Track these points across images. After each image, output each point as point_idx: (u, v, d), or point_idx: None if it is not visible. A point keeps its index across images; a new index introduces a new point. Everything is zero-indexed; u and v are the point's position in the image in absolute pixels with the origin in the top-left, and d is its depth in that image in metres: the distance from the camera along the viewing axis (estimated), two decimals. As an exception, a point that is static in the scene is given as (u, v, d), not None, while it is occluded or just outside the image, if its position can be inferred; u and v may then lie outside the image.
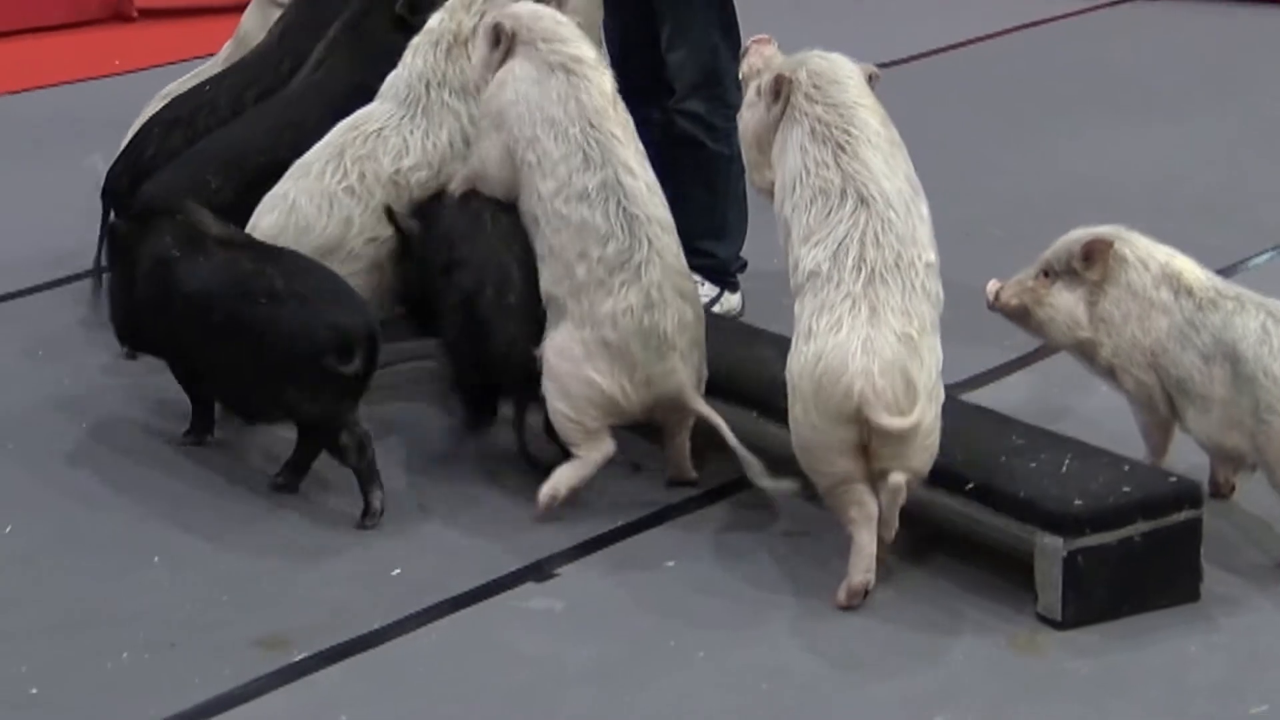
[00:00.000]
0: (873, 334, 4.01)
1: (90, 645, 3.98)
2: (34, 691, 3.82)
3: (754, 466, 4.38)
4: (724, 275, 5.70)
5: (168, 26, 9.35)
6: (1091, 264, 4.35)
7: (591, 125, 4.60)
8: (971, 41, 9.10)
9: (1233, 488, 4.45)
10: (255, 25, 6.06)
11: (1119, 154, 7.15)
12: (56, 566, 4.36)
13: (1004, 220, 5.99)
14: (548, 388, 4.52)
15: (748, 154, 4.60)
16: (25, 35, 8.89)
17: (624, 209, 4.51)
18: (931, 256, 4.17)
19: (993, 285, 4.51)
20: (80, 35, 9.57)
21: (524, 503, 4.55)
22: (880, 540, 4.06)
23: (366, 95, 5.23)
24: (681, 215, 5.57)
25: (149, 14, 9.83)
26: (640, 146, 4.69)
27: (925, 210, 4.24)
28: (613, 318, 4.45)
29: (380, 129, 5.05)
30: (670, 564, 4.32)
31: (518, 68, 4.73)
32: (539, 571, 4.28)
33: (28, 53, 9.14)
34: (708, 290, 5.56)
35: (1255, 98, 8.01)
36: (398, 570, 4.27)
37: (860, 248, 4.09)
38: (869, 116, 4.30)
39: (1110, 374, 4.42)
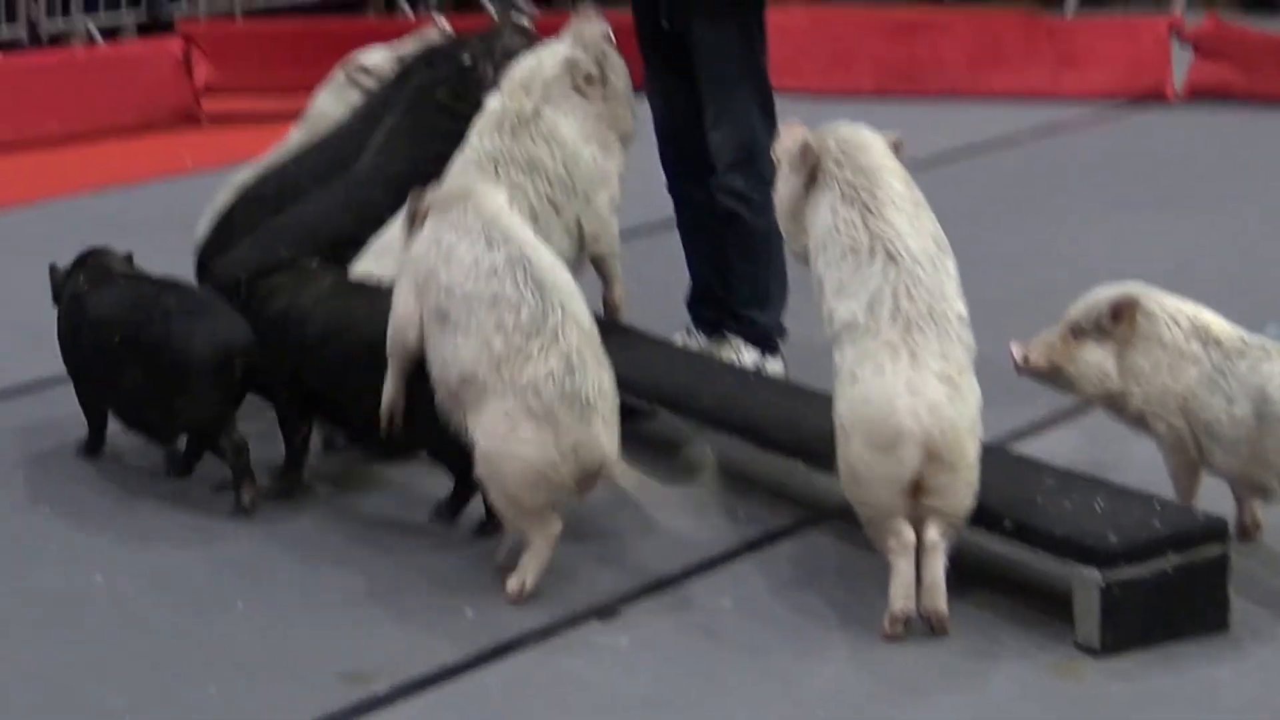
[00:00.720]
0: (914, 376, 4.13)
1: (180, 679, 4.06)
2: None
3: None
4: (766, 341, 5.76)
5: (235, 132, 9.43)
6: (1119, 320, 4.45)
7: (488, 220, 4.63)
8: (995, 142, 9.20)
9: (1259, 528, 4.52)
10: (329, 106, 6.13)
11: (1137, 243, 7.17)
12: (147, 609, 4.43)
13: (1030, 299, 6.08)
14: (481, 475, 4.45)
15: (784, 224, 4.69)
16: (100, 138, 9.05)
17: (532, 276, 4.45)
18: (961, 309, 4.27)
19: (1018, 349, 4.58)
20: (152, 139, 9.74)
21: (586, 548, 4.65)
22: (936, 619, 4.13)
23: (425, 176, 5.27)
24: (726, 286, 5.73)
25: (217, 119, 10.06)
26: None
27: (952, 267, 4.33)
28: (535, 384, 4.35)
29: None
30: (727, 604, 4.39)
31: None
32: (603, 611, 4.34)
33: (103, 155, 9.31)
34: (751, 356, 5.66)
35: (1270, 195, 8.05)
36: (470, 610, 4.35)
37: (894, 300, 4.20)
38: (893, 179, 4.41)
39: (1140, 421, 4.50)
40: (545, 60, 5.34)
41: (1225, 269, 6.67)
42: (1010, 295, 6.07)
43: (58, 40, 11.12)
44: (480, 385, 4.41)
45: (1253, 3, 12.08)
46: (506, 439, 4.36)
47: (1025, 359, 4.57)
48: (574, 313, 4.46)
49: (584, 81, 5.30)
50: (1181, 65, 10.30)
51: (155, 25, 11.24)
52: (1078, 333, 4.52)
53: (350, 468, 5.24)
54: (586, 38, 5.35)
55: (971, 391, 4.18)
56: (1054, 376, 4.57)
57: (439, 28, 6.22)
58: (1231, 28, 10.89)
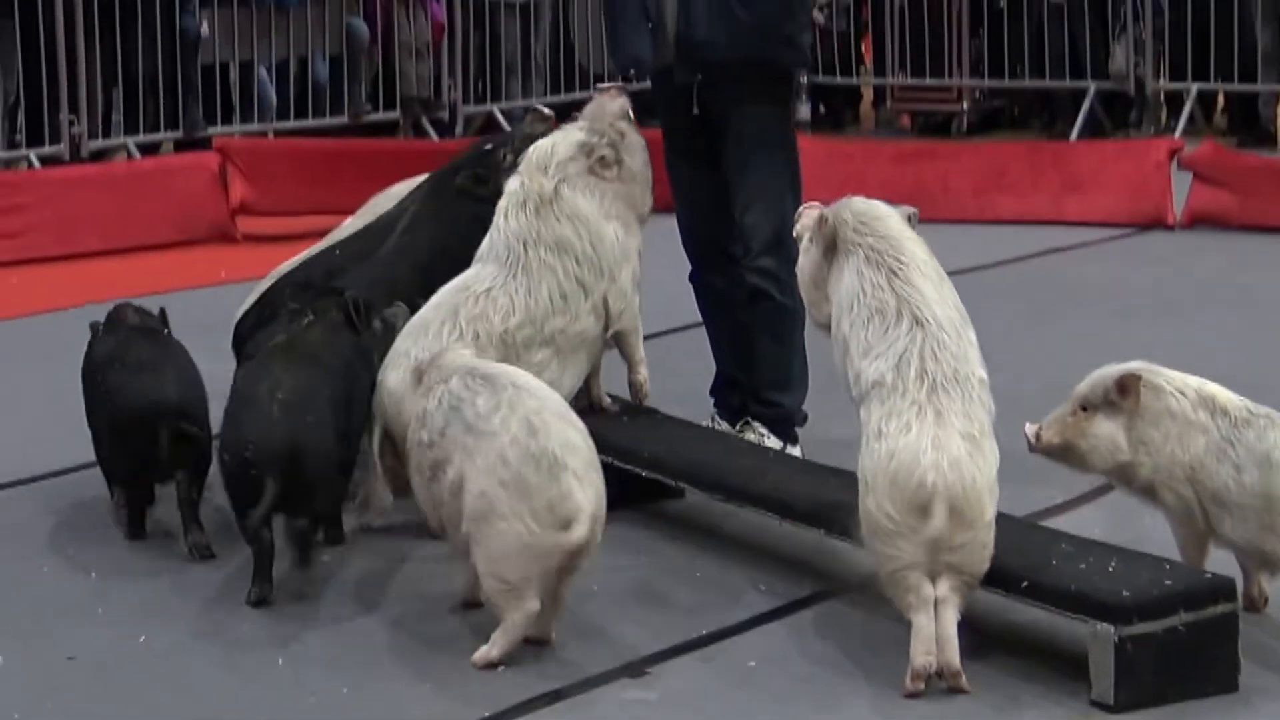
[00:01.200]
0: (940, 434, 4.21)
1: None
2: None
3: None
4: (788, 425, 5.79)
5: (269, 248, 9.31)
6: (1126, 395, 4.49)
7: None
8: (1001, 264, 9.32)
9: (1266, 600, 4.56)
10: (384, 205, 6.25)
11: (1141, 348, 7.13)
12: (188, 667, 4.47)
13: (1041, 396, 6.15)
14: (475, 561, 4.46)
15: (806, 294, 4.77)
16: (138, 252, 9.18)
17: (479, 377, 4.56)
18: (983, 374, 4.37)
19: (1030, 428, 4.63)
20: (189, 253, 9.87)
21: (615, 611, 4.73)
22: (951, 674, 4.17)
23: (447, 256, 5.53)
24: (752, 369, 5.79)
25: (252, 238, 10.20)
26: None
27: (973, 336, 4.42)
28: (502, 454, 4.37)
29: (489, 289, 5.25)
30: (752, 663, 4.44)
31: None
32: (632, 669, 4.40)
33: (141, 266, 9.43)
34: (773, 443, 5.69)
35: (1259, 309, 8.14)
36: (503, 668, 4.38)
37: (920, 361, 4.29)
38: (915, 248, 4.51)
39: (1149, 492, 4.53)
40: (559, 142, 5.42)
41: (1229, 371, 6.74)
42: (1022, 393, 6.16)
43: (99, 156, 11.29)
44: (462, 484, 4.43)
45: (1242, 133, 12.26)
46: (486, 516, 4.37)
47: (1038, 436, 4.62)
48: (526, 386, 4.56)
49: (598, 164, 5.35)
50: (1181, 190, 10.39)
51: (193, 143, 11.43)
52: (1087, 408, 4.57)
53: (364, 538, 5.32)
54: (604, 116, 5.41)
55: (992, 452, 4.26)
56: (1066, 452, 4.61)
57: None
58: (1229, 153, 11.05)
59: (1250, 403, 4.49)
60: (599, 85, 5.57)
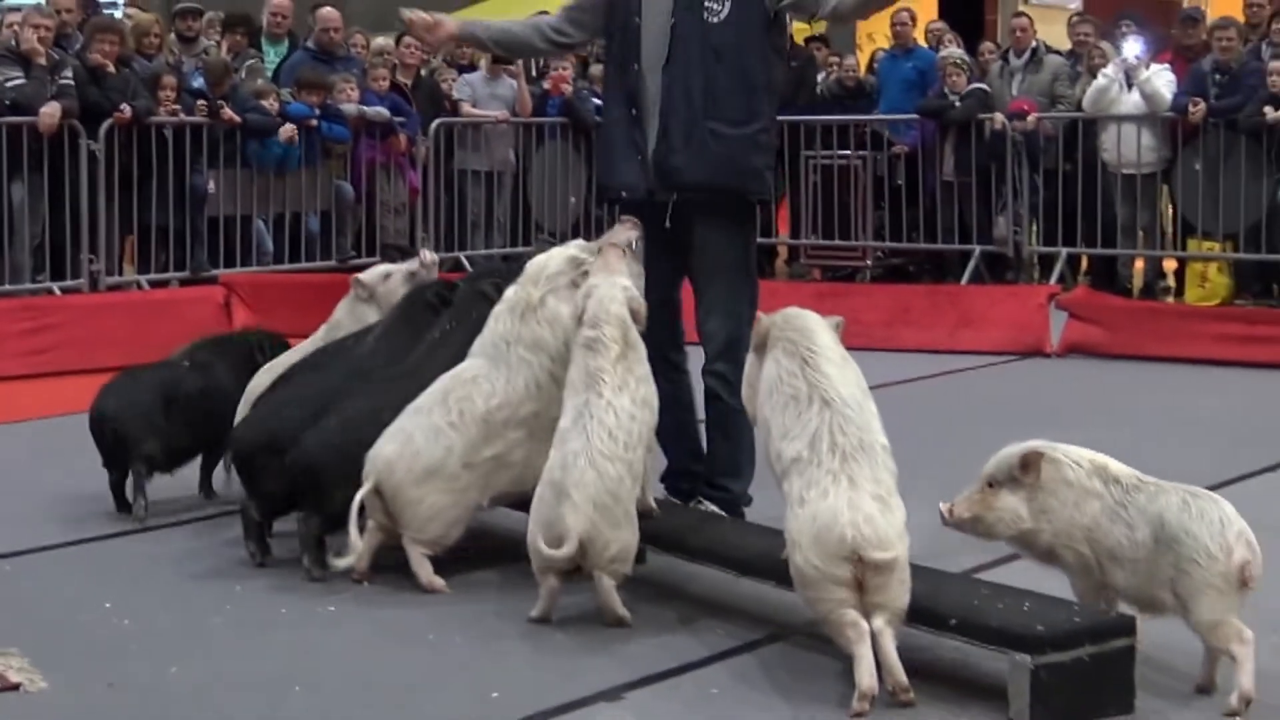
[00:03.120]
0: (854, 496, 4.30)
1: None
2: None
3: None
4: (735, 508, 5.81)
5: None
6: (1028, 471, 4.50)
7: (591, 376, 5.00)
8: (913, 380, 9.45)
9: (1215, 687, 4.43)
10: (344, 316, 6.40)
11: None
12: (218, 694, 4.44)
13: (942, 483, 6.24)
14: None
15: (746, 393, 4.91)
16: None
17: (587, 411, 4.91)
18: (885, 441, 4.47)
19: (944, 506, 4.63)
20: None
21: (593, 646, 4.74)
22: (901, 689, 4.22)
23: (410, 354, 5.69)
24: (702, 459, 5.83)
25: None
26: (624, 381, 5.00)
27: (873, 408, 4.54)
28: (542, 476, 4.90)
29: (475, 377, 5.32)
30: (715, 690, 4.46)
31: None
32: (609, 695, 4.41)
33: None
34: None
35: (1126, 422, 8.22)
36: (496, 693, 4.40)
37: (831, 436, 4.41)
38: (825, 338, 4.66)
39: (1050, 555, 4.53)
40: (554, 257, 5.48)
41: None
42: (928, 481, 6.26)
43: (114, 289, 11.29)
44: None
45: (1103, 289, 12.50)
46: (530, 512, 4.94)
47: (950, 512, 4.62)
48: (590, 433, 4.87)
49: (582, 278, 5.35)
50: (1058, 326, 10.61)
51: (197, 280, 11.45)
52: (993, 484, 4.57)
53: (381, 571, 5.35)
54: (609, 239, 5.45)
55: (899, 507, 4.37)
56: (975, 524, 4.61)
57: (427, 261, 6.45)
58: (1099, 295, 11.31)
59: (1137, 472, 4.52)
60: (622, 218, 5.60)
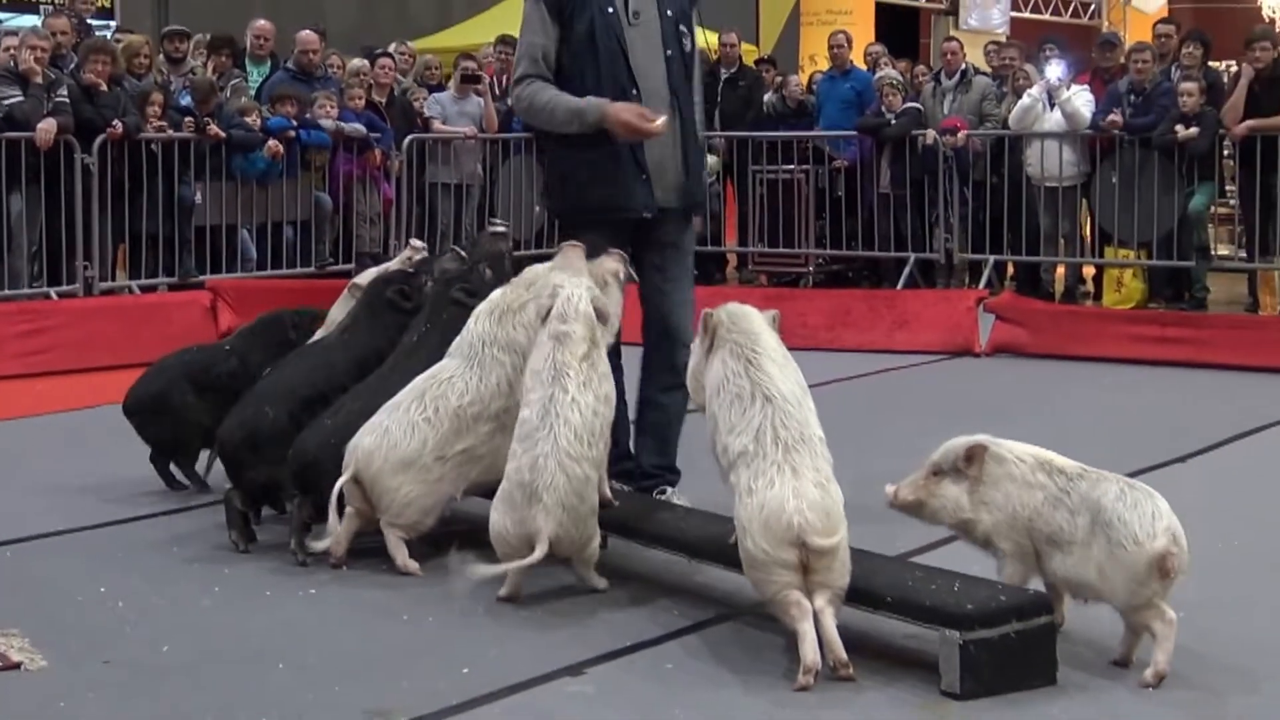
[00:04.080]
0: (798, 485, 4.32)
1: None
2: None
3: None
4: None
5: None
6: (972, 463, 4.50)
7: (558, 371, 4.95)
8: (854, 377, 9.48)
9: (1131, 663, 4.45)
10: (337, 314, 6.31)
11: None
12: (210, 670, 4.43)
13: (883, 473, 6.27)
14: None
15: (692, 383, 4.92)
16: (143, 367, 9.11)
17: (551, 409, 4.87)
18: (821, 434, 4.49)
19: (890, 488, 4.65)
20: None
21: (558, 627, 4.74)
22: (841, 665, 4.23)
23: (377, 356, 5.67)
24: (664, 446, 5.82)
25: None
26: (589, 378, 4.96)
27: (811, 404, 4.56)
28: (510, 474, 4.88)
29: (450, 376, 5.32)
30: (669, 665, 4.48)
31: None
32: (572, 670, 4.42)
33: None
34: (683, 501, 5.70)
35: (1050, 415, 8.25)
36: (466, 669, 4.41)
37: (774, 430, 4.42)
38: (768, 339, 4.67)
39: (986, 542, 4.53)
40: (542, 271, 5.42)
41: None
42: (870, 470, 6.28)
43: (107, 294, 11.21)
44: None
45: (1027, 293, 12.56)
46: (495, 505, 4.93)
47: (895, 495, 4.63)
48: (558, 435, 4.80)
49: None
50: (986, 328, 10.67)
51: (185, 285, 11.41)
52: (938, 473, 4.57)
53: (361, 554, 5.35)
54: (600, 265, 5.39)
55: (838, 493, 4.38)
56: (918, 508, 4.62)
57: (416, 246, 6.36)
58: (1023, 299, 11.35)
59: (1082, 465, 4.50)
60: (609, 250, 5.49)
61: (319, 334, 6.33)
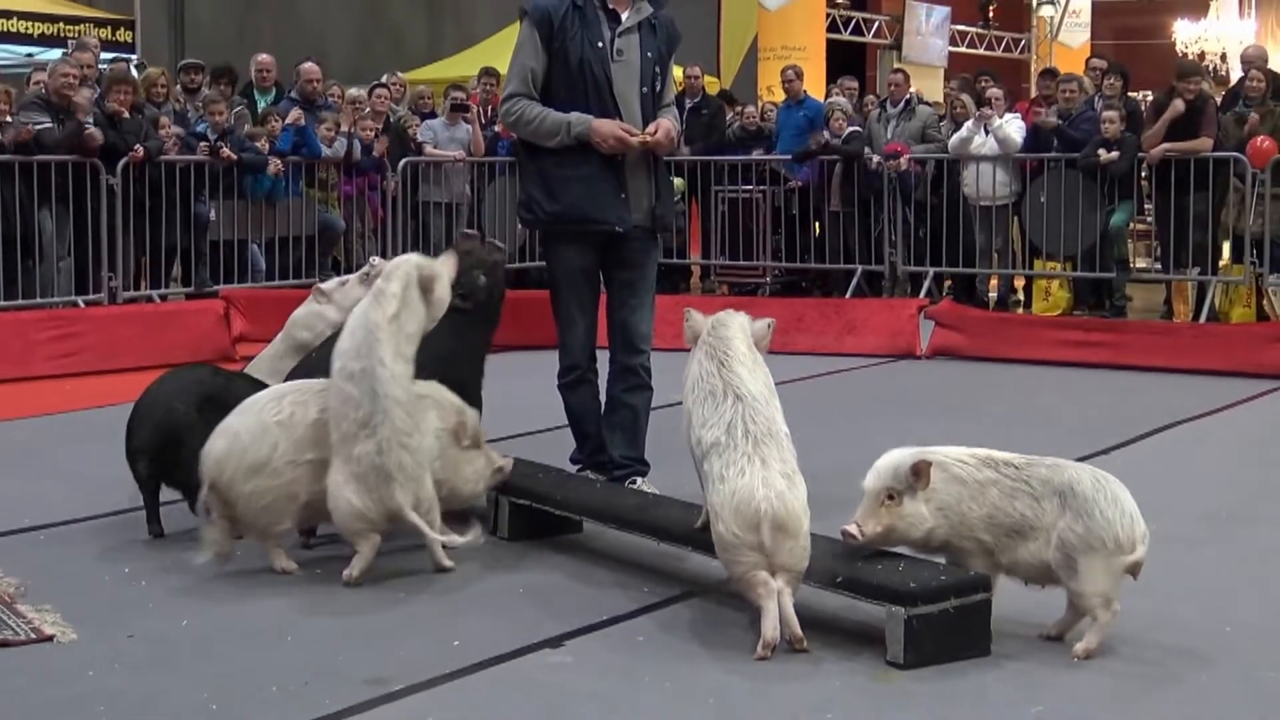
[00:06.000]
0: (766, 475, 4.30)
1: (252, 685, 4.09)
2: (214, 708, 3.94)
3: (439, 545, 4.94)
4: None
5: None
6: (919, 476, 4.32)
7: (368, 332, 4.89)
8: (806, 378, 9.45)
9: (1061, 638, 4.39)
10: (302, 314, 6.25)
11: (896, 439, 7.30)
12: (221, 644, 4.42)
13: (833, 466, 6.24)
14: (330, 504, 4.88)
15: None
16: (162, 368, 9.08)
17: (373, 387, 4.80)
18: (786, 430, 4.47)
19: (851, 528, 4.35)
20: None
21: (538, 604, 4.74)
22: (797, 639, 4.24)
23: (451, 356, 5.49)
24: (635, 441, 5.82)
25: (248, 358, 9.76)
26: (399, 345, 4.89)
27: (778, 404, 4.54)
28: (359, 458, 4.80)
29: (323, 390, 5.04)
30: (641, 639, 4.48)
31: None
32: (552, 642, 4.42)
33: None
34: (652, 489, 5.70)
35: (984, 413, 8.30)
36: (457, 641, 4.41)
37: (744, 424, 4.40)
38: (740, 345, 4.64)
39: (944, 547, 4.36)
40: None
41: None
42: (822, 461, 6.27)
43: (130, 302, 11.18)
44: (335, 450, 4.88)
45: (964, 302, 12.60)
46: (341, 488, 4.86)
47: (860, 532, 4.34)
48: (392, 416, 4.83)
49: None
50: (926, 333, 10.70)
51: (200, 295, 11.38)
52: (893, 495, 4.33)
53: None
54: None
55: (802, 484, 4.36)
56: (890, 535, 4.36)
57: (374, 264, 6.03)
58: (961, 308, 11.39)
59: (1024, 455, 4.41)
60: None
61: (278, 338, 6.25)
